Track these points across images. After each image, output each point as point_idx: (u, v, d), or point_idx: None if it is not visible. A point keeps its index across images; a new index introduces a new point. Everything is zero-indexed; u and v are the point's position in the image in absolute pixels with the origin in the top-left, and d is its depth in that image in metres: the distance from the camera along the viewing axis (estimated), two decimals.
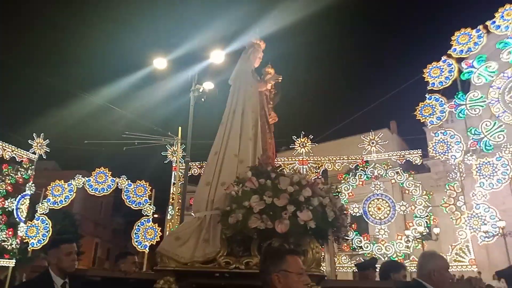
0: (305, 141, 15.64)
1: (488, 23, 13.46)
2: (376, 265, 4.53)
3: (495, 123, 12.89)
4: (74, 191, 15.65)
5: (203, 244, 3.49)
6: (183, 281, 3.39)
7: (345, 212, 3.54)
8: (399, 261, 10.72)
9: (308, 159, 15.48)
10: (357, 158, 15.06)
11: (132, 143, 15.95)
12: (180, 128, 15.61)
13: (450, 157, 13.37)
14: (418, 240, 13.34)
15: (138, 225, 15.07)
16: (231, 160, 4.02)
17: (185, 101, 11.91)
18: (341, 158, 15.39)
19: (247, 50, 4.88)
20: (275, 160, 5.23)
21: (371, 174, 14.50)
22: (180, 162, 15.45)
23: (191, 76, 11.52)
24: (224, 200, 3.54)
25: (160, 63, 11.88)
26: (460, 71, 13.54)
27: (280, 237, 3.11)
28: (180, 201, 14.72)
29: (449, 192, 13.15)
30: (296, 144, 15.80)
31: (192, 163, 15.42)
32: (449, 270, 2.78)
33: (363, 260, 12.58)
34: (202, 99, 11.40)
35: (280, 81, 4.92)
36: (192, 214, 4.01)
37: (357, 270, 4.43)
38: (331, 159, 15.44)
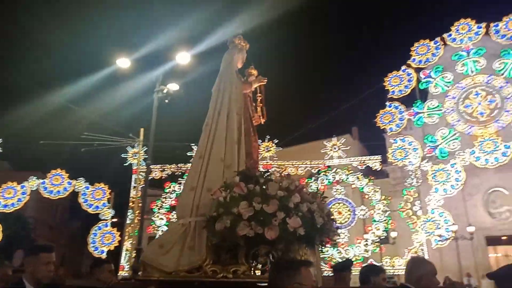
0: (270, 146, 15.71)
1: (445, 35, 14.16)
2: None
3: (450, 131, 13.53)
4: (28, 194, 14.88)
5: (188, 252, 3.34)
6: None
7: (332, 217, 3.51)
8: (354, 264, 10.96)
9: (272, 163, 15.55)
10: (320, 163, 15.30)
11: (91, 144, 15.36)
12: (142, 130, 15.22)
13: (408, 163, 13.89)
14: (376, 244, 13.68)
15: (95, 230, 14.53)
16: (216, 165, 3.88)
17: (149, 103, 11.59)
18: (304, 163, 15.57)
19: (230, 50, 4.73)
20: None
21: (333, 178, 14.76)
22: (141, 165, 15.06)
23: (156, 76, 11.27)
24: (210, 206, 3.41)
25: (123, 62, 11.53)
26: (418, 81, 14.14)
27: (268, 244, 3.07)
28: (140, 205, 14.31)
29: (406, 197, 13.65)
30: (260, 148, 15.83)
31: (154, 166, 15.08)
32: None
33: (326, 263, 12.78)
34: (166, 101, 11.15)
35: (265, 83, 4.84)
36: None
37: (333, 272, 4.40)
38: (294, 163, 15.59)
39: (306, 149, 20.14)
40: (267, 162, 15.50)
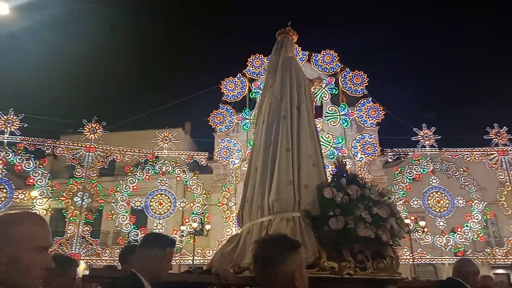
0: (96, 127, 14.70)
1: None
2: None
3: None
4: None
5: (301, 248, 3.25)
6: None
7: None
8: None
9: (97, 146, 14.59)
10: (148, 152, 15.15)
11: None
12: None
13: (230, 162, 15.09)
14: (191, 235, 14.33)
15: None
16: (306, 161, 3.87)
17: None
18: (132, 150, 15.15)
19: (283, 41, 4.73)
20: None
21: (159, 169, 14.82)
22: None
23: None
24: (313, 203, 3.54)
25: None
26: (250, 90, 15.54)
27: (361, 243, 3.30)
28: None
29: (224, 193, 14.79)
30: (86, 128, 14.66)
31: None
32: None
33: None
34: None
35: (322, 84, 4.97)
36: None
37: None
38: (121, 149, 15.00)
39: (136, 137, 19.60)
40: (90, 145, 14.48)
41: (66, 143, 14.78)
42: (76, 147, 14.55)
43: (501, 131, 14.97)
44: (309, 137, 4.07)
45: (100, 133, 14.70)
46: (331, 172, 3.97)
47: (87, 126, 14.66)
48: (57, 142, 14.75)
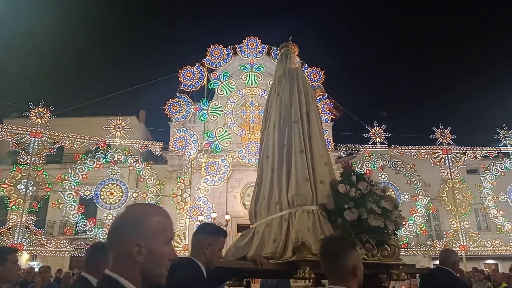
0: (44, 111, 13.90)
1: (237, 46, 15.87)
2: None
3: (226, 130, 15.26)
4: None
5: (321, 236, 3.64)
6: (316, 270, 3.54)
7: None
8: None
9: (44, 132, 13.81)
10: (100, 140, 14.57)
11: None
12: None
13: (186, 153, 14.89)
14: None
15: None
16: (319, 161, 4.31)
17: None
18: (82, 137, 14.49)
19: (286, 53, 5.22)
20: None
21: (111, 158, 14.32)
22: None
23: None
24: (328, 197, 3.95)
25: None
26: (208, 80, 15.36)
27: (368, 233, 3.71)
28: None
29: (179, 184, 14.58)
30: (32, 112, 13.81)
31: None
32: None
33: (86, 245, 12.20)
34: None
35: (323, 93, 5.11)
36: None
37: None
38: (70, 136, 14.30)
39: (87, 123, 18.82)
40: (36, 130, 13.69)
41: (10, 127, 13.88)
42: (21, 131, 13.70)
43: (445, 131, 15.90)
44: (319, 139, 4.56)
45: (47, 117, 13.92)
46: None
47: (33, 110, 13.83)
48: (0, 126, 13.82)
